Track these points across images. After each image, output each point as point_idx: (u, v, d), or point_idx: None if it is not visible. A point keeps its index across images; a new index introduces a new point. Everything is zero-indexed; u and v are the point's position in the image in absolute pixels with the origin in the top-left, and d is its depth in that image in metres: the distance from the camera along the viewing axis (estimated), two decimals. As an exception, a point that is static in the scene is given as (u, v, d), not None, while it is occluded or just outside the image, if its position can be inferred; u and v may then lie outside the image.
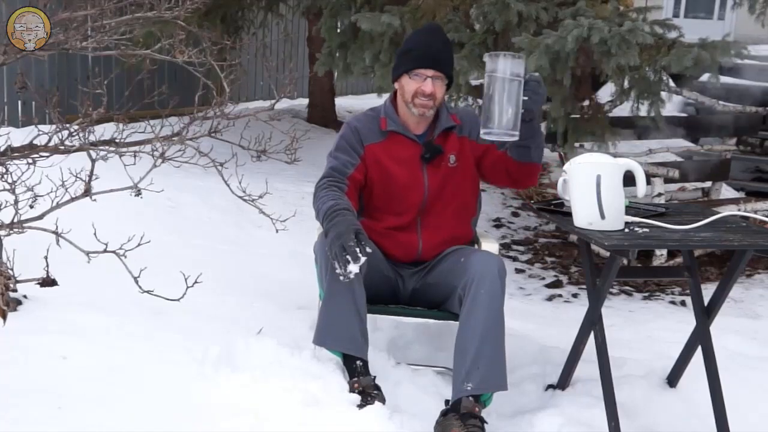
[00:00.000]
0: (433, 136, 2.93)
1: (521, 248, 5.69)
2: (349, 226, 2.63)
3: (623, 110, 5.79)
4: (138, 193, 2.69)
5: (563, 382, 3.01)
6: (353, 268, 2.57)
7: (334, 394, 2.58)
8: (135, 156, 2.77)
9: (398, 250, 2.94)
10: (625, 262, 2.78)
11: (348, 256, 2.56)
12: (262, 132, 3.10)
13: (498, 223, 6.05)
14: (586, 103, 5.41)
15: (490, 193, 6.42)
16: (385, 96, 6.11)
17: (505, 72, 2.52)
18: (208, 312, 3.14)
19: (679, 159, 6.97)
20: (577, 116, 5.25)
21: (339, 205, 2.72)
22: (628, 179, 2.61)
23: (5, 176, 2.64)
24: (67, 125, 2.78)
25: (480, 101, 6.69)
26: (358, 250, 2.57)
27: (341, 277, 2.59)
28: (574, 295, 4.89)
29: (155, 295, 2.65)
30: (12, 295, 2.78)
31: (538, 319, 4.16)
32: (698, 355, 2.93)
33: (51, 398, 2.32)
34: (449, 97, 5.32)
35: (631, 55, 4.47)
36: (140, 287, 2.64)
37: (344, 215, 2.68)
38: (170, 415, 2.35)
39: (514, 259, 5.44)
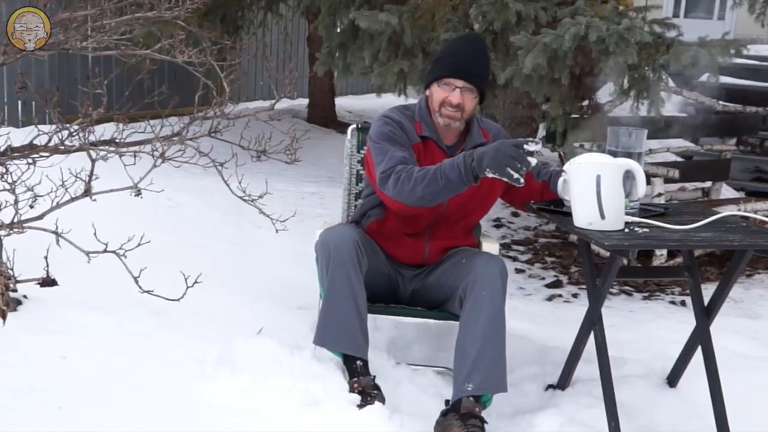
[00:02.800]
0: (462, 150, 2.88)
1: (521, 248, 5.69)
2: (499, 142, 2.58)
3: (623, 110, 5.79)
4: (138, 193, 2.69)
5: (563, 382, 3.01)
6: (535, 147, 2.50)
7: (334, 394, 2.58)
8: (135, 156, 2.77)
9: (404, 252, 2.94)
10: (625, 262, 2.78)
11: (521, 149, 2.49)
12: (262, 132, 3.10)
13: (498, 223, 6.04)
14: (586, 102, 5.41)
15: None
16: (385, 96, 6.07)
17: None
18: (208, 312, 3.14)
19: (679, 159, 6.96)
20: (577, 116, 5.25)
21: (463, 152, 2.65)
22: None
23: (5, 176, 2.64)
24: (67, 125, 2.78)
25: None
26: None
27: (522, 180, 2.49)
28: (574, 295, 4.88)
29: (155, 295, 2.65)
30: (12, 295, 2.78)
31: (538, 319, 4.16)
32: (698, 355, 2.93)
33: (51, 398, 2.32)
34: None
35: (629, 54, 4.47)
36: (140, 287, 2.64)
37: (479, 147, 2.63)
38: (170, 415, 2.35)
39: (514, 259, 5.43)
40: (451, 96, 2.81)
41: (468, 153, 2.61)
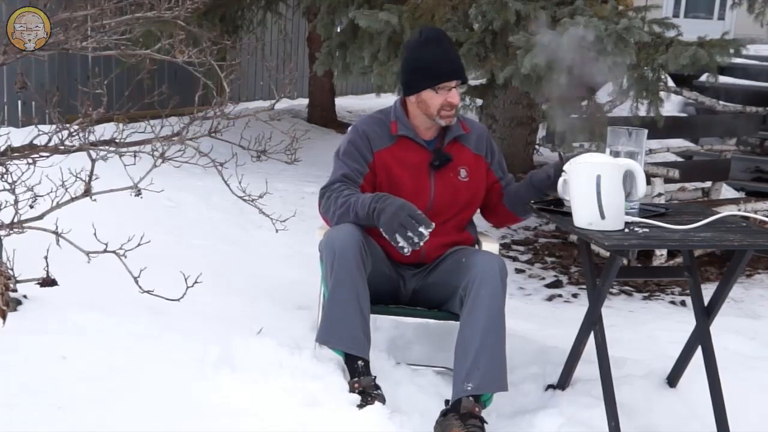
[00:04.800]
0: (443, 143, 2.93)
1: (521, 248, 5.69)
2: (404, 202, 2.68)
3: (623, 110, 5.79)
4: (138, 193, 2.68)
5: (563, 382, 3.01)
6: (425, 231, 2.62)
7: (334, 394, 2.58)
8: (135, 156, 2.77)
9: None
10: (625, 262, 2.78)
11: (416, 222, 2.61)
12: (262, 132, 3.10)
13: (498, 223, 6.04)
14: (585, 102, 5.40)
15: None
16: (384, 96, 6.08)
17: None
18: (208, 312, 3.14)
19: (679, 159, 6.96)
20: (576, 116, 5.24)
21: (380, 194, 2.75)
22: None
23: (5, 176, 2.64)
24: (67, 125, 2.77)
25: (479, 101, 6.69)
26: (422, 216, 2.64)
27: (406, 249, 2.63)
28: (574, 295, 4.88)
29: (155, 295, 2.65)
30: (12, 295, 2.78)
31: (538, 319, 4.16)
32: (698, 355, 2.93)
33: (51, 398, 2.32)
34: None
35: (628, 54, 4.47)
36: (140, 287, 2.63)
37: (392, 197, 2.72)
38: (170, 415, 2.35)
39: (514, 259, 5.44)
40: (450, 98, 2.84)
41: (378, 197, 2.73)
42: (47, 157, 2.76)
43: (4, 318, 2.59)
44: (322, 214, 2.90)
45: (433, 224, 2.65)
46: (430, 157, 2.91)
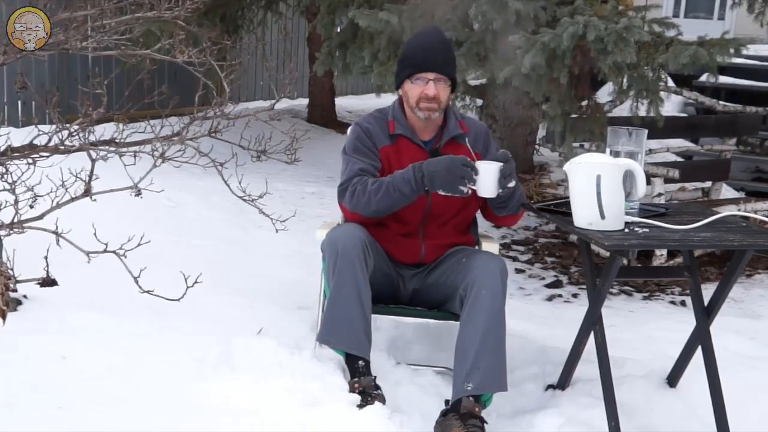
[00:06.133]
0: (440, 143, 2.93)
1: (521, 248, 5.69)
2: (447, 157, 2.73)
3: (623, 110, 5.79)
4: (138, 193, 2.68)
5: (563, 382, 3.01)
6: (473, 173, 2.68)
7: (334, 394, 2.58)
8: (135, 156, 2.77)
9: (401, 252, 2.94)
10: (625, 262, 2.78)
11: (469, 168, 2.66)
12: (262, 132, 3.10)
13: (498, 223, 6.04)
14: (585, 102, 5.40)
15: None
16: (384, 96, 6.09)
17: None
18: (208, 312, 3.14)
19: (679, 159, 6.96)
20: (576, 116, 5.25)
21: (413, 164, 2.75)
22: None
23: (5, 176, 2.64)
24: (67, 125, 2.77)
25: (479, 101, 6.69)
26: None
27: (467, 190, 2.67)
28: (574, 295, 4.88)
29: (155, 295, 2.65)
30: (12, 295, 2.78)
31: (538, 319, 4.16)
32: (698, 355, 2.93)
33: (51, 398, 2.33)
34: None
35: (628, 53, 4.47)
36: (140, 287, 2.63)
37: (427, 160, 2.75)
38: (170, 415, 2.35)
39: (514, 259, 5.43)
40: (426, 89, 2.83)
41: (417, 166, 2.73)
42: (47, 157, 2.76)
43: (4, 318, 2.59)
44: (350, 208, 2.82)
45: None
46: (427, 158, 2.90)
